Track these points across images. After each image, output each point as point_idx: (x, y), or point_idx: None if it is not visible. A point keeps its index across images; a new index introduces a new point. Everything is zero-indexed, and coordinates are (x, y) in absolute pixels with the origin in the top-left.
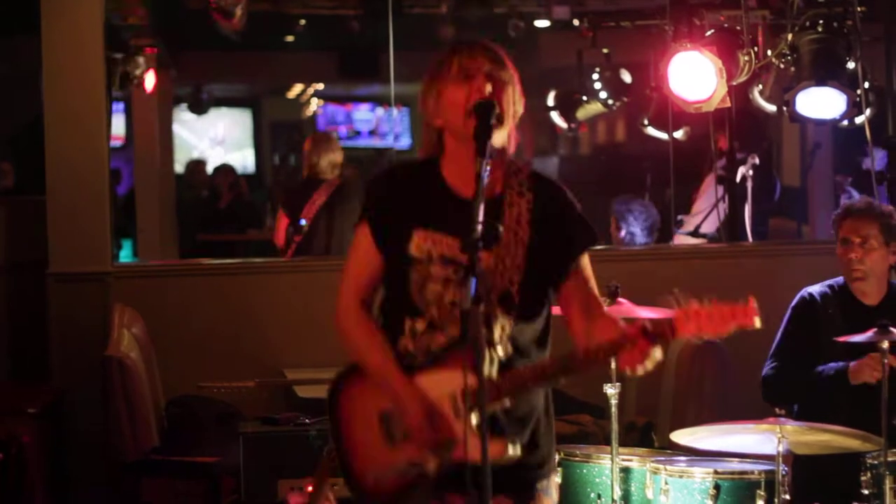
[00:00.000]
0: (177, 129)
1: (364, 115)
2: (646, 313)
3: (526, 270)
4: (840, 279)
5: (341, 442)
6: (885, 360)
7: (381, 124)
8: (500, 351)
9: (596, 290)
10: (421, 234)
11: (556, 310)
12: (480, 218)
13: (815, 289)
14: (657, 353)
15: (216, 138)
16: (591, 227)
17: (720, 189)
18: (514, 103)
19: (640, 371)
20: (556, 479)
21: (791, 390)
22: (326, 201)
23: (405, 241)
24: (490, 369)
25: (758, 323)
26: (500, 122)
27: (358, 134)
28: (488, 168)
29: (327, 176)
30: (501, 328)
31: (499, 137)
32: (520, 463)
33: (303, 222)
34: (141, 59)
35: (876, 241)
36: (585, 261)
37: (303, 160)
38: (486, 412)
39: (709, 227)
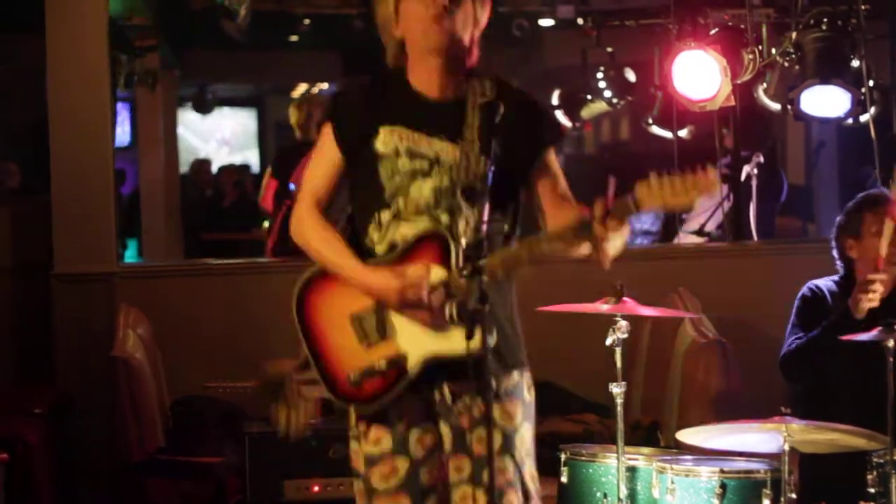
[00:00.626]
0: (182, 131)
1: None
2: (650, 312)
3: (488, 168)
4: (843, 274)
5: (314, 348)
6: (891, 359)
7: None
8: (463, 241)
9: (566, 187)
10: (387, 129)
11: None
12: (485, 218)
13: (821, 282)
14: (624, 230)
15: (222, 139)
16: (557, 124)
17: (724, 187)
18: (475, 12)
19: (611, 251)
20: (528, 381)
21: (803, 356)
22: None
23: (371, 137)
24: (456, 261)
25: (717, 186)
26: (455, 40)
27: None
28: (492, 168)
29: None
30: (466, 221)
31: (462, 50)
32: (484, 358)
33: (292, 186)
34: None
35: None
36: (551, 157)
37: (293, 123)
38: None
39: (712, 225)
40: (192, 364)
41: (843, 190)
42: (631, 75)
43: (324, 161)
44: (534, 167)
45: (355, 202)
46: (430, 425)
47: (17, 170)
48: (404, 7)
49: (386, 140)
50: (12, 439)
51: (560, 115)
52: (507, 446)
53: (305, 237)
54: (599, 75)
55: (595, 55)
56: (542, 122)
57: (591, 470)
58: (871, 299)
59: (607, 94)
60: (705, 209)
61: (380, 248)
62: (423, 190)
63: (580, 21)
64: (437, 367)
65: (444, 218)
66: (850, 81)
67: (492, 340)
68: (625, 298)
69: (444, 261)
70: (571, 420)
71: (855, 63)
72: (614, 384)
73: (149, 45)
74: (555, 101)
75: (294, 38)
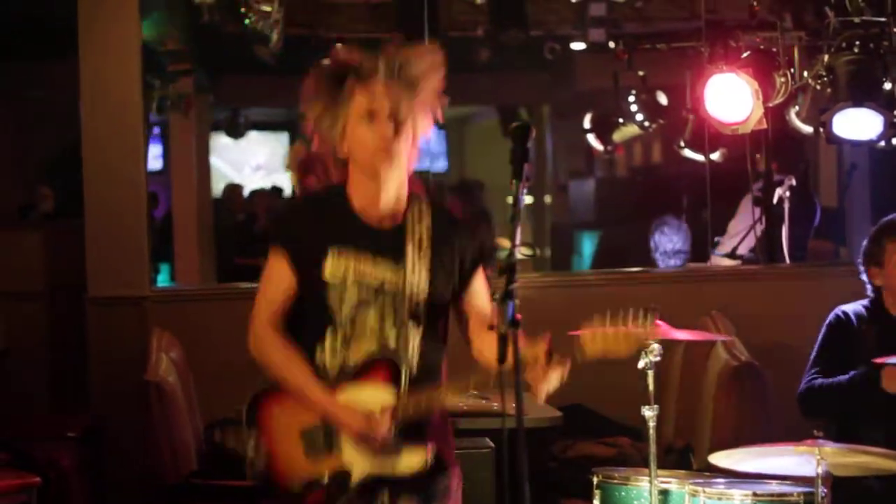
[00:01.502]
0: (214, 161)
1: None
2: (682, 335)
3: (430, 290)
4: (872, 298)
5: (265, 454)
6: None
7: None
8: (413, 368)
9: (487, 304)
10: (334, 258)
11: None
12: (518, 241)
13: (849, 307)
14: (563, 371)
15: (256, 166)
16: (489, 243)
17: (756, 210)
18: (416, 129)
19: (544, 391)
20: (459, 478)
21: (825, 399)
22: None
23: (319, 265)
24: (405, 384)
25: (649, 336)
26: (395, 158)
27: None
28: (524, 190)
29: None
30: (413, 346)
31: (400, 170)
32: (428, 469)
33: None
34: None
35: None
36: (479, 278)
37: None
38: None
39: (745, 248)
40: (225, 388)
41: (875, 213)
42: (663, 98)
43: (277, 282)
44: (466, 287)
45: (300, 319)
46: None
47: (50, 194)
48: (351, 129)
49: (335, 269)
50: (46, 463)
51: (592, 139)
52: None
53: (266, 357)
54: (631, 98)
55: (627, 78)
56: (475, 242)
57: (623, 493)
58: None
59: (639, 117)
60: (738, 232)
61: (331, 371)
62: (370, 316)
63: (612, 44)
64: (379, 481)
65: (391, 337)
66: (883, 104)
67: (430, 457)
68: (657, 321)
69: (394, 381)
70: (604, 443)
71: (887, 86)
72: (646, 407)
73: (182, 69)
74: (587, 124)
75: (326, 62)
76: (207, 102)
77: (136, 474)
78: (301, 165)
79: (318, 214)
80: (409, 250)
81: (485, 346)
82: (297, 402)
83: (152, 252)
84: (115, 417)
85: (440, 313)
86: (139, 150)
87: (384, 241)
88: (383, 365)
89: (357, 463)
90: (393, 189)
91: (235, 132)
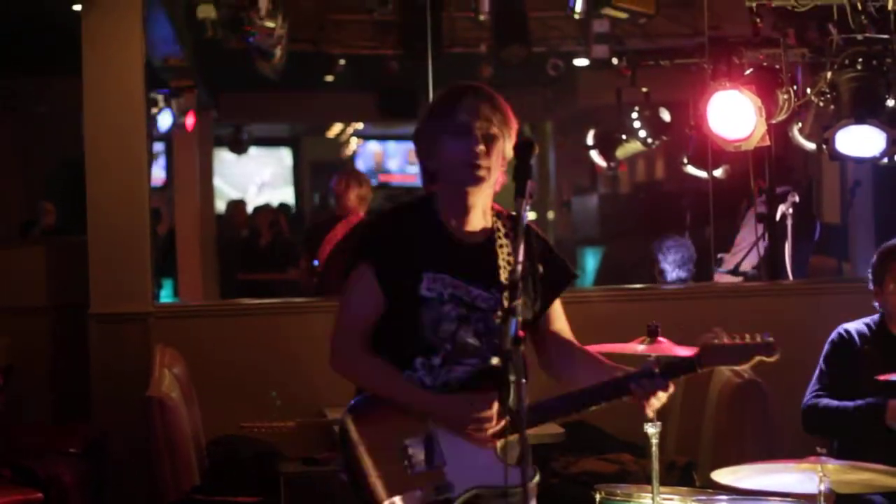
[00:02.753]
0: (218, 182)
1: None
2: (686, 352)
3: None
4: (876, 316)
5: (358, 474)
6: None
7: None
8: (518, 383)
9: (567, 327)
10: (430, 275)
11: None
12: (521, 258)
13: (852, 326)
14: (671, 388)
15: (261, 183)
16: (568, 267)
17: (759, 227)
18: (503, 155)
19: (656, 405)
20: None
21: (827, 419)
22: (339, 243)
23: (416, 282)
24: (513, 399)
25: (776, 356)
26: (488, 177)
27: None
28: (528, 207)
29: (354, 210)
30: (515, 365)
31: (490, 188)
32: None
33: (316, 263)
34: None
35: None
36: (558, 302)
37: (332, 193)
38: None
39: (748, 265)
40: (228, 404)
41: (878, 229)
42: (666, 115)
43: (366, 299)
44: (545, 310)
45: (390, 339)
46: None
47: (53, 209)
48: (442, 143)
49: (431, 286)
50: (48, 479)
51: (595, 155)
52: None
53: (352, 368)
54: (634, 115)
55: (630, 95)
56: (559, 265)
57: None
58: None
59: (642, 133)
60: (741, 249)
61: (430, 385)
62: (468, 335)
63: (615, 61)
64: (483, 497)
65: (495, 360)
66: (886, 121)
67: (537, 477)
68: (660, 338)
69: (502, 398)
70: (606, 460)
71: (890, 102)
72: (649, 424)
73: (185, 85)
74: (590, 140)
75: (329, 78)
76: (210, 118)
77: (137, 490)
78: (341, 187)
79: (409, 229)
80: (501, 267)
81: (568, 369)
82: (393, 414)
83: (155, 268)
84: (118, 433)
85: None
86: (142, 165)
87: (476, 261)
88: (488, 383)
89: (459, 478)
90: (479, 206)
91: (238, 148)
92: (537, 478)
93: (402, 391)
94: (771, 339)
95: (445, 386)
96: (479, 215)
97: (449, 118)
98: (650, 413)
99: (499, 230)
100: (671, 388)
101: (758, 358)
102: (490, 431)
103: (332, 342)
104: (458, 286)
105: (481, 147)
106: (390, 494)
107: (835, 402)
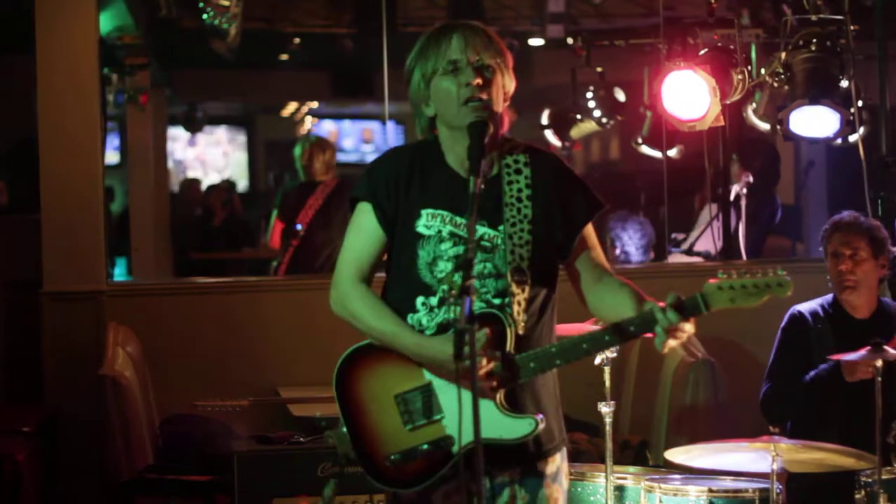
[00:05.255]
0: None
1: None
2: None
3: (533, 245)
4: (830, 297)
5: (356, 426)
6: (878, 379)
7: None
8: (519, 328)
9: (604, 259)
10: (429, 213)
11: None
12: (475, 237)
13: (805, 306)
14: (689, 327)
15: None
16: (594, 195)
17: (714, 207)
18: (504, 86)
19: (675, 344)
20: (565, 466)
21: (788, 406)
22: (323, 205)
23: (413, 219)
24: (511, 345)
25: (789, 290)
26: (491, 117)
27: None
28: (482, 186)
29: (322, 177)
30: (518, 304)
31: (497, 109)
32: (536, 442)
33: (298, 227)
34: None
35: (865, 252)
36: (590, 230)
37: (298, 165)
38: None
39: (702, 246)
40: (182, 382)
41: (831, 209)
42: (620, 95)
43: (366, 238)
44: (572, 243)
45: (391, 280)
46: None
47: (4, 188)
48: (436, 85)
49: (428, 223)
50: (0, 458)
51: (549, 135)
52: None
53: (352, 310)
54: (589, 95)
55: (584, 75)
56: (579, 194)
57: (579, 489)
58: (869, 372)
59: (597, 113)
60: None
61: (428, 332)
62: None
63: (570, 41)
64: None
65: (496, 301)
66: (839, 101)
67: (541, 426)
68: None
69: (499, 344)
70: None
71: (844, 83)
72: (603, 403)
73: (139, 63)
74: (544, 120)
75: (284, 56)
76: (164, 97)
77: (90, 469)
78: (305, 155)
79: (409, 166)
80: (508, 204)
81: (604, 300)
82: (389, 362)
83: (108, 246)
84: (70, 412)
85: (546, 269)
86: (96, 144)
87: (481, 199)
88: (486, 324)
89: (459, 430)
90: (487, 145)
91: (193, 126)
92: (542, 425)
93: (393, 333)
94: (783, 273)
95: (441, 330)
96: (486, 157)
97: (440, 57)
98: (665, 350)
99: (509, 165)
100: (692, 328)
101: (770, 295)
102: (482, 371)
103: (335, 282)
104: (458, 224)
105: (478, 80)
106: (389, 449)
107: (791, 386)
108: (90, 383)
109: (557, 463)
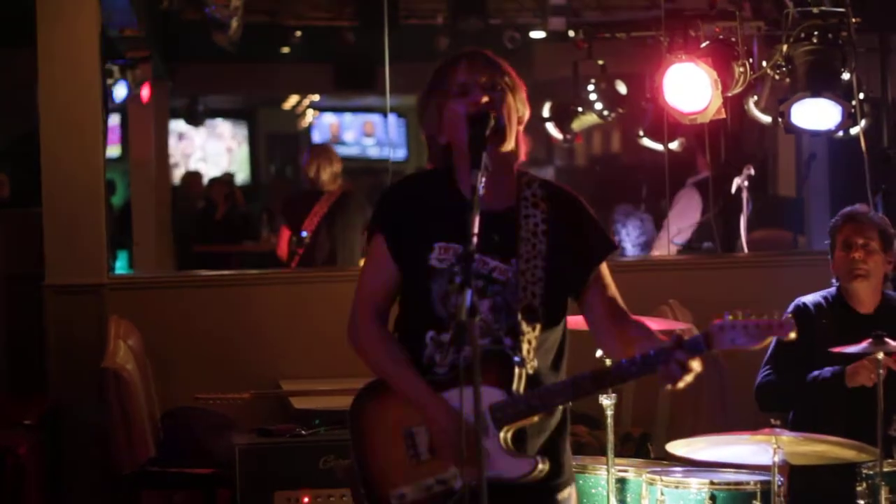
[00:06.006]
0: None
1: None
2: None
3: (546, 282)
4: (833, 289)
5: (363, 458)
6: (881, 371)
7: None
8: (528, 367)
9: (619, 298)
10: (442, 246)
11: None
12: (476, 230)
13: (809, 298)
14: (696, 366)
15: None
16: (608, 236)
17: (697, 199)
18: (517, 110)
19: (680, 385)
20: (574, 496)
21: (785, 397)
22: (328, 213)
23: (426, 252)
24: (518, 385)
25: (793, 335)
26: (498, 132)
27: None
28: (483, 180)
29: (328, 187)
30: (528, 342)
31: (506, 147)
32: (543, 479)
33: (304, 234)
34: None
35: (876, 244)
36: (604, 269)
37: (303, 173)
38: (515, 426)
39: (682, 238)
40: (183, 375)
41: (833, 202)
42: (622, 88)
43: (380, 271)
44: (586, 282)
45: (403, 312)
46: None
47: (6, 181)
48: (447, 111)
49: (441, 256)
50: (2, 450)
51: (551, 128)
52: None
53: (366, 348)
54: (590, 87)
55: (586, 67)
56: (595, 232)
57: (580, 482)
58: (871, 380)
59: (598, 106)
60: (692, 223)
61: (440, 368)
62: (483, 309)
63: (571, 33)
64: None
65: (504, 331)
66: (841, 94)
67: (543, 467)
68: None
69: (505, 383)
70: None
71: (845, 76)
72: (604, 396)
73: (141, 56)
74: (546, 113)
75: (286, 50)
76: (166, 90)
77: (92, 461)
78: (312, 166)
79: (422, 197)
80: (524, 238)
81: (617, 342)
82: (401, 399)
83: (110, 239)
84: (73, 405)
85: (558, 306)
86: (97, 137)
87: (494, 232)
88: (495, 362)
89: (464, 467)
90: (498, 172)
91: (194, 119)
92: (543, 466)
93: (401, 379)
94: (788, 316)
95: (452, 368)
96: (500, 182)
97: (449, 84)
98: (670, 388)
99: (526, 199)
100: (699, 367)
101: (773, 338)
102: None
103: (352, 317)
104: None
105: (485, 98)
106: (396, 483)
107: (790, 378)
108: (92, 376)
109: (566, 495)
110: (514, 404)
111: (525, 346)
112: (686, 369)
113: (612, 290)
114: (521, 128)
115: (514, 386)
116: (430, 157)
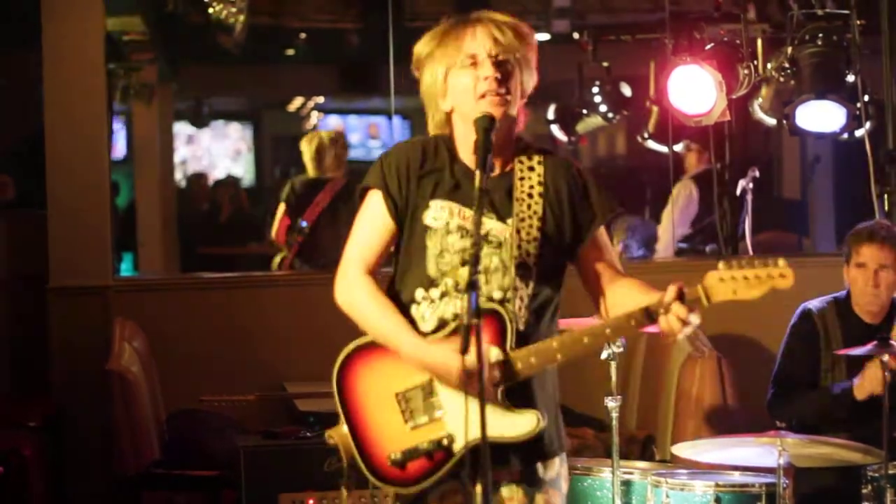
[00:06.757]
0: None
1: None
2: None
3: (541, 241)
4: (841, 293)
5: (355, 426)
6: (886, 374)
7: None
8: (520, 323)
9: (615, 259)
10: (438, 203)
11: None
12: (483, 231)
13: (815, 304)
14: (694, 319)
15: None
16: (609, 199)
17: (693, 201)
18: (523, 82)
19: (680, 337)
20: (565, 471)
21: (796, 411)
22: (329, 203)
23: (422, 210)
24: (511, 341)
25: (791, 282)
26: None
27: None
28: (491, 178)
29: (332, 173)
30: (520, 299)
31: (514, 107)
32: (525, 440)
33: (304, 224)
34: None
35: (893, 268)
36: (603, 233)
37: (306, 159)
38: (507, 386)
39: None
40: (188, 377)
41: (838, 204)
42: (627, 90)
43: (374, 227)
44: (583, 244)
45: (398, 272)
46: None
47: (12, 183)
48: (453, 79)
49: (437, 214)
50: (7, 452)
51: (556, 130)
52: None
53: (355, 304)
54: (595, 90)
55: (591, 70)
56: (591, 197)
57: (586, 484)
58: (880, 389)
59: (603, 108)
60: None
61: (427, 325)
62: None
63: (576, 35)
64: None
65: (497, 295)
66: (846, 96)
67: (543, 423)
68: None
69: (499, 340)
70: (566, 434)
71: (850, 78)
72: (609, 398)
73: (145, 58)
74: (550, 115)
75: (290, 52)
76: (171, 91)
77: (97, 463)
78: (312, 149)
79: (421, 158)
80: (518, 199)
81: (615, 302)
82: (390, 360)
83: (115, 241)
84: (77, 407)
85: (553, 267)
86: (102, 139)
87: (491, 189)
88: (488, 319)
89: (460, 428)
90: (500, 142)
91: (199, 121)
92: (545, 422)
93: (392, 332)
94: (785, 264)
95: (442, 322)
96: (499, 154)
97: (460, 50)
98: (670, 341)
99: (522, 162)
100: (697, 319)
101: (772, 286)
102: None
103: (340, 272)
104: (467, 217)
105: (496, 74)
106: (391, 448)
107: (801, 395)
108: (97, 378)
109: (556, 468)
110: (511, 362)
111: (517, 303)
112: (685, 322)
113: (611, 254)
114: (524, 100)
115: (507, 342)
116: (431, 121)
